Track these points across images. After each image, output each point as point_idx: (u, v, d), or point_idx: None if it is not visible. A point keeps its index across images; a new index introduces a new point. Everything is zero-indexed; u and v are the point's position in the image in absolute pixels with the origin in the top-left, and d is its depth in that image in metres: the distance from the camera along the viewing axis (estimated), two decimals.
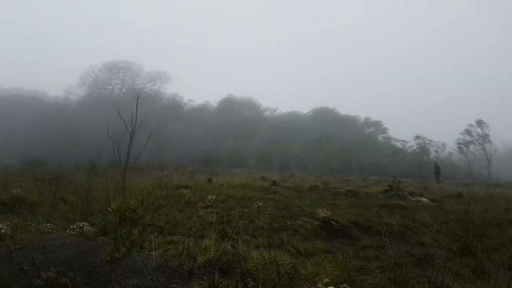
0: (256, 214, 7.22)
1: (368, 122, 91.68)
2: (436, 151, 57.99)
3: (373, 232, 5.86)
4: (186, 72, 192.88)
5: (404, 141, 66.46)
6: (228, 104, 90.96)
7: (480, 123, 52.89)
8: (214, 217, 6.39)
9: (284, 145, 69.86)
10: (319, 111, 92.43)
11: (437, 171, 27.28)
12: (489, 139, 51.98)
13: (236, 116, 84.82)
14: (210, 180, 15.84)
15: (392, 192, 13.12)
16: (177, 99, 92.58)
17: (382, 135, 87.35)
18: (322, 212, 6.22)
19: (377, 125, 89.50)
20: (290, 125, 78.90)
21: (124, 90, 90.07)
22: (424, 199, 12.62)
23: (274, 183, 14.80)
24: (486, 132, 52.62)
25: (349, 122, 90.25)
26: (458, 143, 55.77)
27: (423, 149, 58.73)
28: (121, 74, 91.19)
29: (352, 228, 5.97)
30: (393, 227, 6.14)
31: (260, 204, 7.76)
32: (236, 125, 79.24)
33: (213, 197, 8.50)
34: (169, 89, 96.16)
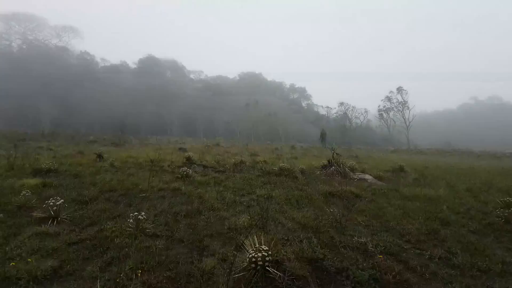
0: (130, 239, 3.83)
1: (293, 89, 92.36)
2: (357, 117, 60.59)
3: (348, 284, 2.97)
4: (102, 29, 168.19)
5: (328, 107, 68.03)
6: (149, 65, 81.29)
7: (400, 90, 55.80)
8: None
9: (210, 111, 65.64)
10: (246, 75, 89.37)
11: (323, 137, 29.91)
12: (407, 106, 55.41)
13: (158, 79, 76.33)
14: (99, 157, 11.59)
15: (332, 168, 10.88)
16: (88, 57, 79.62)
17: (306, 102, 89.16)
18: (252, 246, 3.11)
19: (302, 91, 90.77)
20: (217, 89, 74.18)
21: (24, 47, 73.88)
22: (368, 177, 10.65)
23: (188, 159, 11.34)
24: (405, 99, 55.87)
25: (275, 88, 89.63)
26: (379, 110, 58.72)
27: (345, 115, 60.63)
28: (21, 28, 74.24)
29: (309, 280, 2.98)
30: (377, 262, 3.36)
31: (142, 215, 4.30)
32: (158, 88, 71.26)
33: (60, 201, 4.73)
34: (79, 46, 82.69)
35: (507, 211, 5.72)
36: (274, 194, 6.61)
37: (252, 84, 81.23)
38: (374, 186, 8.85)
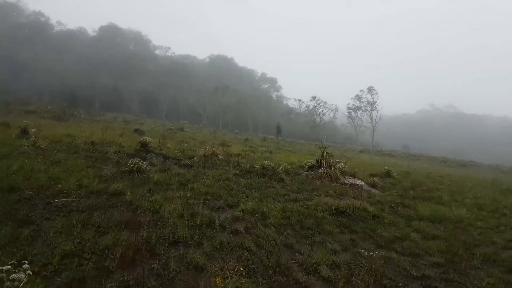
0: None
1: (264, 78, 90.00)
2: (324, 114, 59.89)
3: None
4: None
5: (300, 100, 66.40)
6: (110, 34, 73.88)
7: (370, 89, 55.65)
8: None
9: (175, 91, 61.36)
10: (217, 58, 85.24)
11: (279, 130, 31.67)
12: (375, 107, 55.41)
13: (119, 50, 69.78)
14: (24, 133, 8.74)
15: (321, 170, 9.08)
16: (42, 18, 70.61)
17: (276, 93, 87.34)
18: None
19: (272, 82, 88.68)
20: (184, 68, 69.56)
21: None
22: (359, 182, 9.07)
23: (144, 146, 8.88)
24: (375, 99, 55.85)
25: (246, 75, 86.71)
26: (348, 108, 58.30)
27: (314, 110, 59.52)
28: None
29: None
30: None
31: (25, 269, 2.04)
32: (118, 60, 65.13)
33: None
34: (33, 6, 73.11)
35: None
36: (265, 210, 4.56)
37: (222, 68, 77.41)
38: (376, 197, 7.19)
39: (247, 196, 5.33)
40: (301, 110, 65.63)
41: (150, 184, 5.32)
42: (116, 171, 5.89)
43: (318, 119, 57.73)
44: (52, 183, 4.54)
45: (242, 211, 4.44)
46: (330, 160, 9.39)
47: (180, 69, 67.43)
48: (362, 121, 56.18)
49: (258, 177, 7.39)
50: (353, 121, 57.49)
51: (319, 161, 9.40)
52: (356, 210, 5.18)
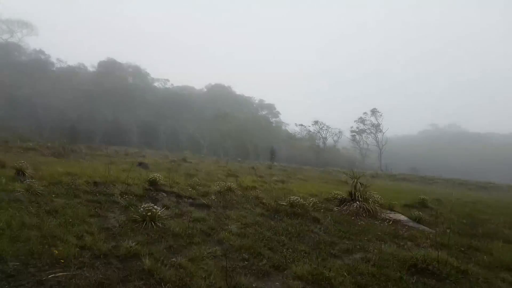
0: None
1: (262, 105, 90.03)
2: (326, 138, 58.94)
3: None
4: (62, 27, 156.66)
5: (302, 125, 65.45)
6: (109, 69, 74.60)
7: (374, 112, 54.87)
8: None
9: (175, 121, 60.89)
10: (214, 88, 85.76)
11: (272, 155, 33.28)
12: (380, 129, 54.33)
13: (118, 84, 70.08)
14: (19, 174, 7.65)
15: (356, 205, 7.94)
16: (42, 56, 71.53)
17: (274, 119, 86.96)
18: None
19: (270, 108, 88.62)
20: (182, 99, 69.61)
21: None
22: (402, 217, 7.88)
23: (153, 184, 7.77)
24: (379, 121, 55.24)
25: (244, 102, 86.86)
26: (352, 131, 57.27)
27: (314, 135, 58.47)
28: None
29: None
30: None
31: None
32: (117, 94, 65.17)
33: None
34: (34, 44, 74.32)
35: None
36: (328, 275, 3.40)
37: (220, 97, 77.68)
38: (436, 237, 6.00)
39: (292, 250, 4.19)
40: (303, 135, 64.72)
41: (169, 238, 4.21)
42: (125, 219, 4.78)
43: (321, 144, 56.61)
44: (46, 246, 3.43)
45: (298, 277, 3.30)
46: (366, 192, 8.28)
47: (179, 100, 67.46)
48: (367, 144, 54.83)
49: (289, 218, 6.25)
50: (358, 144, 56.27)
51: (353, 193, 8.28)
52: (439, 265, 4.00)
